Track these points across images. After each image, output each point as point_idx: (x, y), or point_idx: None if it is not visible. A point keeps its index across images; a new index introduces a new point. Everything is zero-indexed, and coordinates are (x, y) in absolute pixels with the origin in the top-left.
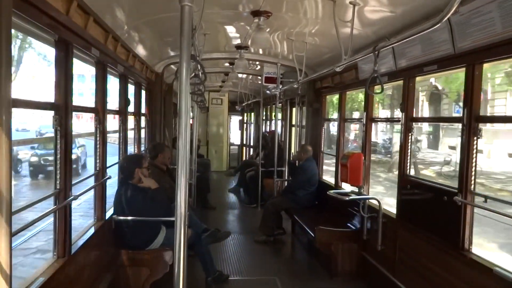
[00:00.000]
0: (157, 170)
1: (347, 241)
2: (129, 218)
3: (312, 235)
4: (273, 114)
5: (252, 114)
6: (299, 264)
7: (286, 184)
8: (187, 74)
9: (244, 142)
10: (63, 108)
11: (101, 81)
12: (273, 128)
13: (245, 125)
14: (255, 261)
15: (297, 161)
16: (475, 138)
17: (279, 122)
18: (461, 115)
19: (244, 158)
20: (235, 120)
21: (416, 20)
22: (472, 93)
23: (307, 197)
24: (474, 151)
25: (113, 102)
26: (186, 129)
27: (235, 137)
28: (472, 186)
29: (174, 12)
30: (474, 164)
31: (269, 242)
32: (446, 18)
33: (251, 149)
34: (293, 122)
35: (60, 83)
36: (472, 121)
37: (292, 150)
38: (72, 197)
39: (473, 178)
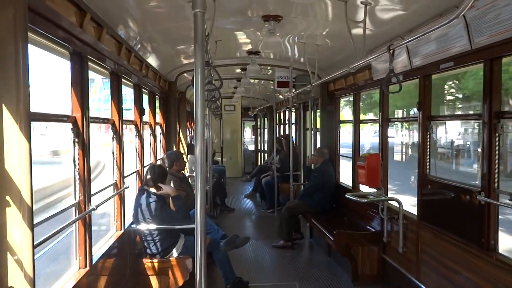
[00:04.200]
0: (174, 178)
1: (367, 244)
2: (148, 226)
3: (331, 238)
4: (287, 118)
5: (266, 119)
6: (319, 268)
7: (302, 188)
8: (202, 80)
9: (259, 148)
10: (80, 120)
11: (116, 91)
12: (287, 133)
13: (259, 130)
14: (274, 267)
15: (313, 165)
16: (496, 135)
17: (293, 126)
18: (481, 112)
19: (259, 164)
20: (248, 126)
21: (430, 17)
22: (491, 89)
23: (324, 200)
24: (496, 148)
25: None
26: (203, 136)
27: (249, 142)
28: (496, 184)
29: (184, 21)
30: (496, 162)
31: (288, 247)
32: (463, 13)
33: (266, 154)
34: (307, 126)
35: (77, 95)
36: (493, 118)
37: (308, 154)
38: (92, 208)
39: (496, 176)
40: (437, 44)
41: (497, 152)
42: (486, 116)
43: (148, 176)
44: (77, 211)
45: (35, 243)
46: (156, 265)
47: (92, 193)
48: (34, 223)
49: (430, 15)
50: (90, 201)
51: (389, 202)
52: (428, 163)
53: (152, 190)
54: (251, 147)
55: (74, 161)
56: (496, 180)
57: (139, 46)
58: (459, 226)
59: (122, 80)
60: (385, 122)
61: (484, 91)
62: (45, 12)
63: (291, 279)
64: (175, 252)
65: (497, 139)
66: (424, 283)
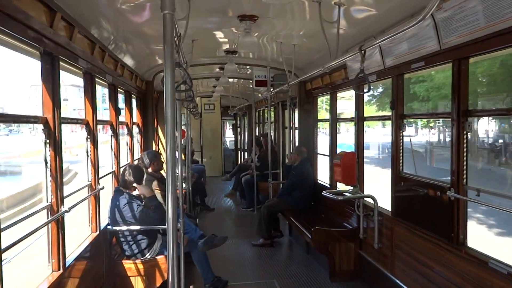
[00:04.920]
0: (151, 178)
1: (344, 240)
2: (124, 227)
3: (309, 236)
4: (266, 117)
5: (245, 118)
6: (298, 265)
7: (281, 187)
8: (172, 81)
9: (239, 146)
10: (51, 120)
11: (89, 91)
12: (266, 131)
13: (238, 129)
14: (253, 265)
15: (292, 163)
16: (464, 132)
17: (272, 125)
18: (450, 110)
19: (239, 162)
20: (228, 125)
21: (401, 18)
22: (459, 88)
23: (303, 198)
24: (465, 145)
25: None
26: (174, 136)
27: (229, 141)
28: (465, 181)
29: (157, 21)
30: (465, 159)
31: (267, 245)
32: (429, 15)
33: (246, 153)
34: (286, 124)
35: (48, 96)
36: (461, 116)
37: (287, 152)
38: (64, 210)
39: (465, 172)
40: (409, 45)
41: (465, 149)
42: (455, 114)
43: (125, 177)
44: (49, 213)
45: (3, 247)
46: (133, 266)
47: (65, 194)
48: (4, 226)
49: (402, 16)
50: (63, 203)
51: (365, 199)
52: (401, 161)
53: (128, 191)
54: (232, 146)
55: (45, 162)
56: (464, 176)
57: (113, 45)
58: (431, 222)
59: (97, 79)
60: (360, 121)
61: (453, 90)
62: (12, 12)
63: (270, 276)
64: (152, 253)
65: (465, 136)
66: (398, 278)
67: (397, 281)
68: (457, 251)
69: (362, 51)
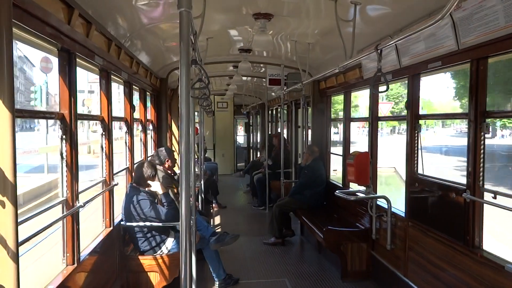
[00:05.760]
0: (165, 175)
1: (356, 241)
2: (138, 223)
3: (321, 235)
4: (279, 116)
5: (258, 116)
6: (309, 265)
7: (293, 185)
8: (187, 78)
9: (251, 145)
10: (68, 116)
11: (105, 88)
12: (279, 130)
13: (251, 127)
14: (264, 264)
15: (304, 162)
16: (482, 134)
17: (285, 124)
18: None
19: (251, 160)
20: (241, 123)
21: (418, 17)
22: (477, 88)
23: (315, 197)
24: (482, 147)
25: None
26: (188, 133)
27: (242, 140)
28: (481, 183)
29: (174, 18)
30: (482, 161)
31: (279, 244)
32: (448, 14)
33: (258, 152)
34: (299, 123)
35: (64, 92)
36: (479, 117)
37: (299, 152)
38: (79, 205)
39: (481, 174)
40: (426, 44)
41: (482, 151)
42: (472, 115)
43: (138, 174)
44: (64, 208)
45: (20, 240)
46: (146, 262)
47: (80, 190)
48: (22, 219)
49: (419, 15)
50: (78, 198)
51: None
52: (416, 162)
53: (142, 187)
54: (244, 144)
55: (61, 157)
56: (481, 178)
57: (129, 43)
58: (446, 224)
59: (112, 77)
60: (374, 120)
61: (471, 91)
62: (31, 8)
63: (281, 275)
64: (165, 249)
65: (482, 138)
66: (411, 280)
67: (410, 282)
68: (472, 254)
69: (379, 50)
